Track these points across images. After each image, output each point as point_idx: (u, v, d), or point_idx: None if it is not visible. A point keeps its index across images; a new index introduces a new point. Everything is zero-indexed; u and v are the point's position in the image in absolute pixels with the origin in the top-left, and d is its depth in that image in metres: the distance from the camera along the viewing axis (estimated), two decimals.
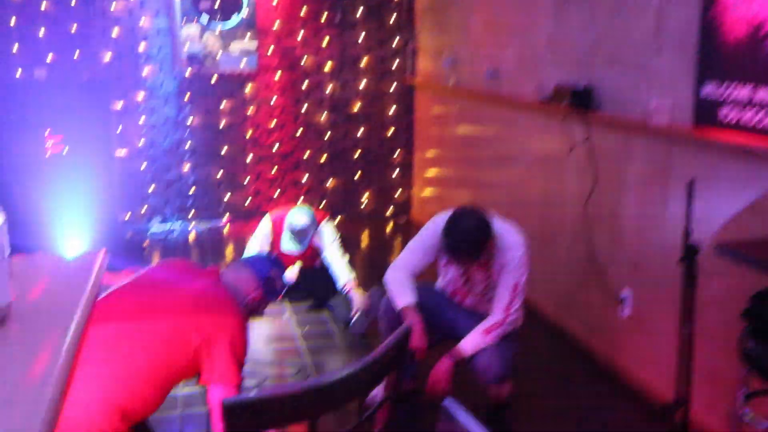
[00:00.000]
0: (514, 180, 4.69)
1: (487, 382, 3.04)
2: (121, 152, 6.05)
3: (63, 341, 1.42)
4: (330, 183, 6.59)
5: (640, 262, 3.42)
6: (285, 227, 4.31)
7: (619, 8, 3.49)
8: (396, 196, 6.78)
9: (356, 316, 4.03)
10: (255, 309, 2.55)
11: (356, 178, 6.65)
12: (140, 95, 6.02)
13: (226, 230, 6.25)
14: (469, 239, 2.85)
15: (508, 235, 3.00)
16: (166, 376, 2.26)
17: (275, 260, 2.77)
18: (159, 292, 2.41)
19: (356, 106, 6.50)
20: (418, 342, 2.92)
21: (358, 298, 4.08)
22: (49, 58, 5.63)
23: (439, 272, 3.28)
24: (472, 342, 2.95)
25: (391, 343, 1.51)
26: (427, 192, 6.47)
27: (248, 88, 6.23)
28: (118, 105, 5.95)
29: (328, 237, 4.41)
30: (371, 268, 5.23)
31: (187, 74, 6.04)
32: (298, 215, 4.29)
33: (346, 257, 4.41)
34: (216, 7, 5.99)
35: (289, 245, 4.31)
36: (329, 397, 1.41)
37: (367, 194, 6.71)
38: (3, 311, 1.55)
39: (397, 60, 6.49)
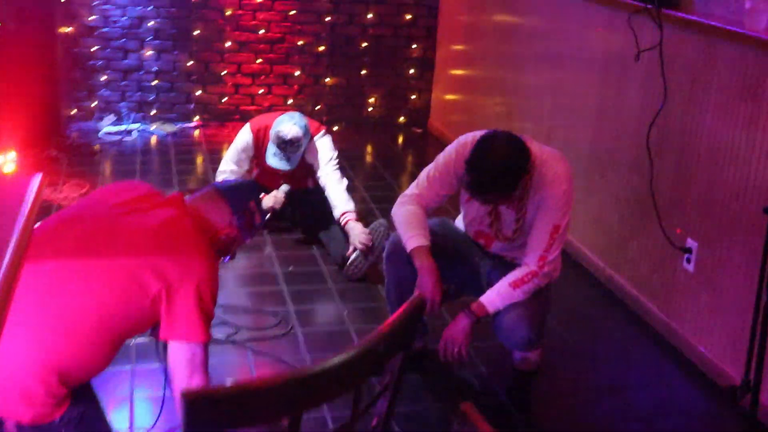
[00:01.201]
0: (562, 87, 4.63)
1: (512, 346, 3.07)
2: (66, 29, 5.97)
3: None
4: (329, 80, 6.53)
5: (713, 206, 3.40)
6: (271, 138, 4.29)
7: None
8: (411, 99, 6.71)
9: (354, 255, 4.05)
10: (226, 249, 2.55)
11: (362, 74, 6.57)
12: None
13: (195, 135, 6.23)
14: (500, 174, 2.82)
15: (550, 165, 2.97)
16: (114, 329, 2.27)
17: (254, 187, 2.77)
18: (108, 223, 2.40)
19: None
20: (431, 293, 2.94)
21: (358, 232, 4.09)
22: None
23: (461, 207, 3.27)
24: (497, 296, 2.96)
25: (398, 320, 1.51)
26: (451, 97, 6.40)
27: None
28: None
29: (324, 153, 4.40)
30: (376, 194, 5.23)
31: None
32: (288, 124, 4.26)
33: (345, 182, 4.40)
34: None
35: (274, 161, 4.30)
36: (316, 390, 1.41)
37: (375, 97, 6.64)
38: None
39: None
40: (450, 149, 3.11)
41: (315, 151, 4.39)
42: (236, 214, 2.53)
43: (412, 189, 3.17)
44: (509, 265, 3.10)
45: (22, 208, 1.69)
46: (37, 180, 2.11)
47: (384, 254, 3.25)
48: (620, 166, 4.04)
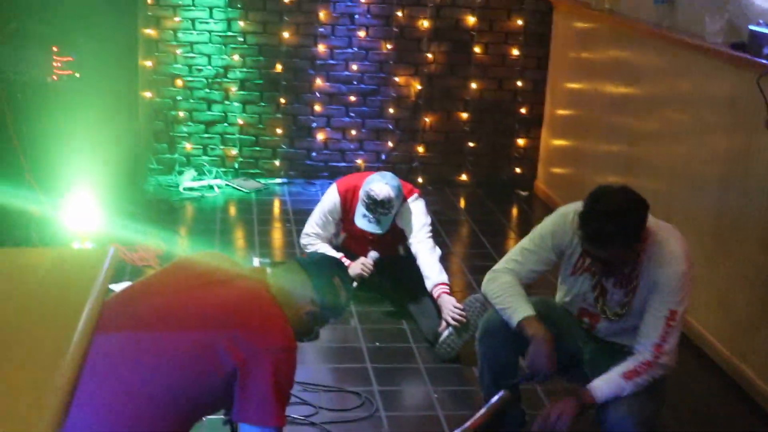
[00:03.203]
0: (680, 158, 4.61)
1: None
2: (147, 94, 6.26)
3: (63, 354, 1.50)
4: (425, 136, 6.62)
5: None
6: (360, 198, 4.38)
7: None
8: (516, 158, 6.76)
9: (446, 332, 4.08)
10: (308, 328, 2.63)
11: (463, 131, 6.66)
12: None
13: (280, 192, 6.39)
14: (621, 218, 2.83)
15: (667, 242, 2.98)
16: (186, 408, 2.36)
17: (340, 263, 2.84)
18: (185, 294, 2.50)
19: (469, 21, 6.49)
20: (546, 364, 2.96)
21: (451, 307, 4.12)
22: None
23: (561, 285, 3.29)
24: (605, 385, 2.96)
25: (484, 419, 1.55)
26: (560, 162, 6.43)
27: None
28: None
29: (417, 219, 4.46)
30: (474, 264, 5.27)
31: None
32: (380, 183, 4.35)
33: (438, 251, 4.45)
34: None
35: (363, 222, 4.39)
36: None
37: (475, 156, 6.71)
38: None
39: None
40: (548, 220, 3.16)
41: (407, 216, 4.46)
42: (319, 290, 2.61)
43: (502, 264, 3.21)
44: (617, 352, 3.09)
45: (96, 282, 1.80)
46: (111, 254, 2.23)
47: (477, 334, 3.28)
48: (748, 242, 3.99)
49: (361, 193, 4.38)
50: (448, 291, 4.25)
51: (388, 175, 4.47)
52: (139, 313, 2.46)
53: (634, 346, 3.02)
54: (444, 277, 4.32)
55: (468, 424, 1.50)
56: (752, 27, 3.85)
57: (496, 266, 3.21)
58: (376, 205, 4.32)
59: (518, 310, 3.06)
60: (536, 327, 3.02)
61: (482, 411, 1.60)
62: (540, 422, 2.96)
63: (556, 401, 2.99)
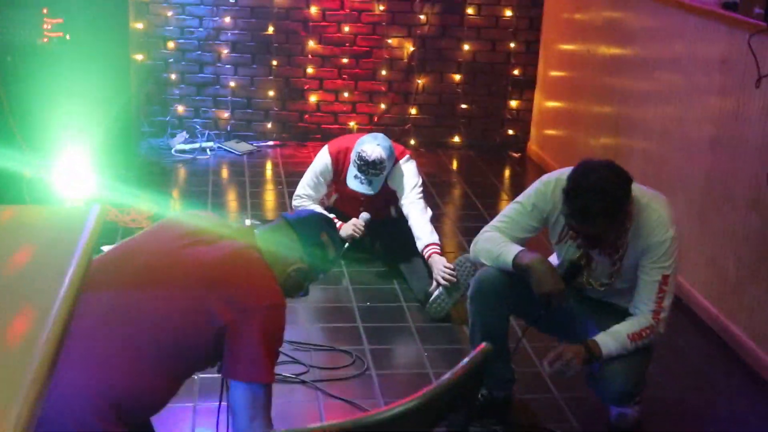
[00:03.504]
0: (672, 119, 4.61)
1: (608, 400, 3.09)
2: (139, 56, 6.24)
3: (49, 310, 1.52)
4: (418, 99, 6.62)
5: None
6: (352, 159, 4.39)
7: None
8: (509, 121, 6.76)
9: (437, 292, 4.11)
10: (297, 285, 2.64)
11: (456, 92, 6.65)
12: None
13: (273, 155, 6.39)
14: (606, 195, 2.84)
15: (654, 209, 3.00)
16: (175, 361, 2.39)
17: (327, 219, 2.85)
18: (173, 254, 2.51)
19: None
20: (553, 285, 2.99)
21: (442, 267, 4.15)
22: None
23: (554, 249, 3.31)
24: (614, 343, 2.99)
25: (464, 370, 1.57)
26: (553, 124, 6.43)
27: None
28: None
29: (409, 180, 4.48)
30: (466, 225, 5.29)
31: None
32: (371, 144, 4.36)
33: (430, 212, 4.47)
34: None
35: (355, 184, 4.40)
36: None
37: (468, 118, 6.71)
38: None
39: None
40: (531, 189, 3.17)
41: (399, 177, 4.48)
42: (307, 247, 2.62)
43: (493, 223, 3.23)
44: (611, 312, 3.12)
45: (80, 239, 1.81)
46: (95, 211, 2.25)
47: (469, 293, 3.30)
48: (739, 202, 4.00)
49: (353, 155, 4.39)
50: (438, 251, 4.27)
51: (380, 136, 4.48)
52: (129, 272, 2.48)
53: (631, 309, 3.06)
54: (435, 238, 4.34)
55: (446, 377, 1.53)
56: None
57: (488, 226, 3.24)
58: (367, 166, 4.33)
59: (509, 251, 3.09)
60: (530, 256, 3.05)
61: (462, 364, 1.64)
62: (553, 358, 2.97)
63: (569, 345, 3.01)
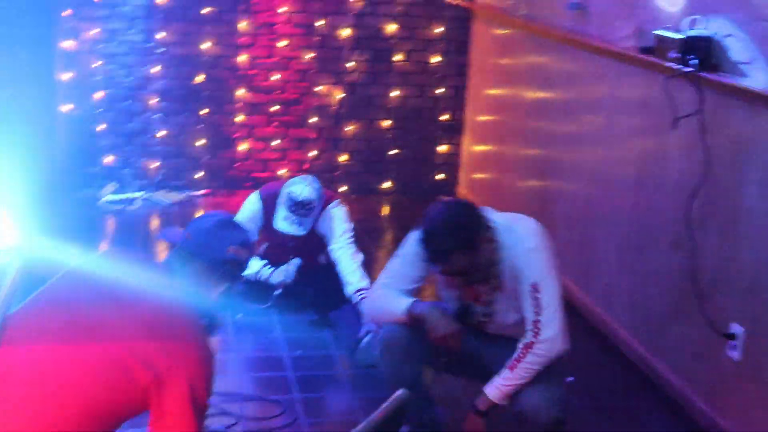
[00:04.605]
0: (597, 160, 4.68)
1: (535, 427, 3.04)
2: (67, 108, 6.17)
3: None
4: (348, 145, 6.64)
5: (759, 287, 3.41)
6: (280, 200, 4.38)
7: None
8: (438, 166, 6.80)
9: (366, 338, 4.09)
10: (222, 305, 2.62)
11: (385, 138, 6.69)
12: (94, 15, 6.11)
13: (203, 204, 6.34)
14: (451, 231, 2.91)
15: (516, 226, 3.05)
16: (100, 421, 2.33)
17: (222, 223, 2.69)
18: (95, 303, 2.46)
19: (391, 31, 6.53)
20: (446, 325, 3.00)
21: None
22: None
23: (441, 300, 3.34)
24: (500, 383, 3.01)
25: (380, 417, 1.56)
26: (479, 172, 6.49)
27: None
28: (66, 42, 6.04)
29: (338, 225, 4.48)
30: None
31: None
32: (300, 185, 4.38)
33: (360, 256, 4.46)
34: None
35: (284, 225, 4.37)
36: None
37: (398, 163, 6.74)
38: None
39: None
40: (407, 240, 3.24)
41: (328, 222, 4.47)
42: (220, 267, 2.58)
43: (380, 278, 3.27)
44: (508, 342, 3.11)
45: None
46: (14, 264, 2.20)
47: (378, 352, 3.31)
48: (661, 242, 4.06)
49: (282, 196, 4.39)
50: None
51: (309, 177, 4.51)
52: (49, 326, 2.42)
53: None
54: (365, 283, 4.33)
55: (360, 427, 1.51)
56: (658, 31, 3.93)
57: (376, 282, 3.29)
58: (297, 206, 4.33)
59: (401, 304, 3.12)
60: (422, 305, 3.10)
61: (377, 413, 1.63)
62: None
63: (464, 424, 3.04)
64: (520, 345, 3.00)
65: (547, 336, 2.98)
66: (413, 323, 3.10)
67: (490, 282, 3.05)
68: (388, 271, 3.25)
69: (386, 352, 3.22)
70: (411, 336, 3.15)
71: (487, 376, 3.08)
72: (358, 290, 4.29)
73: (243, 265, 2.66)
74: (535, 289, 2.97)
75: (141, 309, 2.43)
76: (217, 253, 2.58)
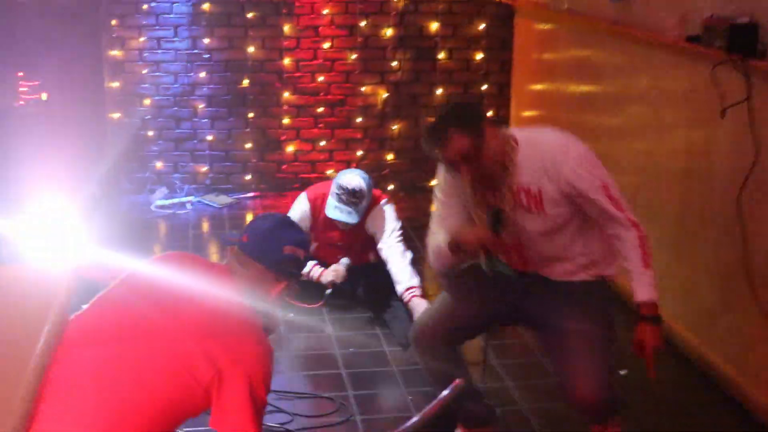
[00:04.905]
0: (643, 153, 4.65)
1: (585, 409, 2.99)
2: (116, 115, 6.26)
3: (20, 381, 1.52)
4: (395, 144, 6.66)
5: None
6: (331, 192, 4.42)
7: None
8: None
9: None
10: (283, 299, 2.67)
11: None
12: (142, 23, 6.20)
13: (252, 206, 6.40)
14: (451, 113, 3.04)
15: (543, 139, 3.09)
16: (170, 418, 2.38)
17: (279, 222, 2.73)
18: (156, 304, 2.51)
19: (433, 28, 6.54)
20: (480, 234, 3.04)
21: (422, 310, 4.14)
22: None
23: None
24: (645, 285, 2.93)
25: (434, 410, 1.58)
26: None
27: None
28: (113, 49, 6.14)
29: (388, 223, 4.50)
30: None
31: None
32: (350, 175, 4.45)
33: (410, 254, 4.48)
34: None
35: (335, 213, 4.41)
36: None
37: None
38: None
39: None
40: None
41: (377, 220, 4.50)
42: (277, 268, 2.62)
43: (432, 228, 3.30)
44: (549, 288, 3.11)
45: (57, 298, 1.82)
46: (72, 270, 2.25)
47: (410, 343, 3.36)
48: (711, 231, 4.03)
49: (333, 186, 4.44)
50: (418, 294, 4.28)
51: (359, 170, 4.57)
52: (113, 329, 2.47)
53: (612, 233, 3.02)
54: (415, 281, 4.35)
55: (417, 418, 1.52)
56: (704, 19, 3.90)
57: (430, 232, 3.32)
58: (347, 195, 4.37)
59: (441, 241, 3.15)
60: (455, 231, 3.11)
61: (433, 403, 1.63)
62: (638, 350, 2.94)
63: (639, 332, 2.93)
64: (635, 244, 2.95)
65: (640, 223, 3.00)
66: (456, 249, 3.11)
67: (507, 183, 3.02)
68: (434, 216, 3.30)
69: (416, 342, 3.28)
70: (442, 318, 3.22)
71: (548, 325, 3.08)
72: (408, 288, 4.30)
73: (300, 263, 2.69)
74: (605, 190, 2.98)
75: (201, 308, 2.48)
76: (275, 253, 2.61)
